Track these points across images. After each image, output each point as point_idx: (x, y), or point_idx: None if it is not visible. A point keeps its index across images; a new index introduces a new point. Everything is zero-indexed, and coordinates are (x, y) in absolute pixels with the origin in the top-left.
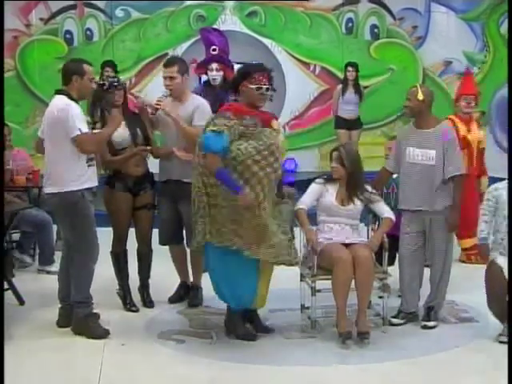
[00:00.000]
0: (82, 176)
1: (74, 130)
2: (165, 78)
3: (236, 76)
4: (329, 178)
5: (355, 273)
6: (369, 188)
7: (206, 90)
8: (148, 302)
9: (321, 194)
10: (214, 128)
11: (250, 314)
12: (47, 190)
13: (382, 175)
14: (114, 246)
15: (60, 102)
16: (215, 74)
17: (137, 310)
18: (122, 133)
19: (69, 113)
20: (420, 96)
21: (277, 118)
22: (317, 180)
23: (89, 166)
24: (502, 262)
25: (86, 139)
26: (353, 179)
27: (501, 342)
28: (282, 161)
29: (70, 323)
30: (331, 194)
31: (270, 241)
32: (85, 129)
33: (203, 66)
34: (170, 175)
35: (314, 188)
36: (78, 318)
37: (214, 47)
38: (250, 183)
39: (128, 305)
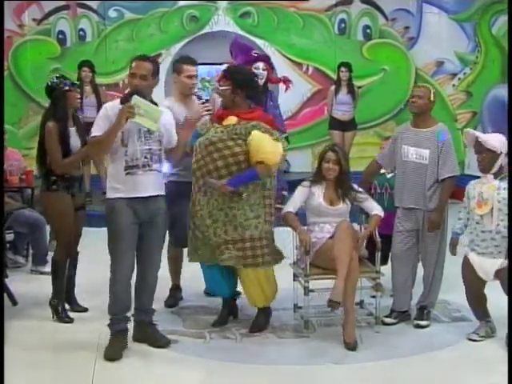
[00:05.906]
0: (117, 184)
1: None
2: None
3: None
4: (315, 180)
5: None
6: (355, 187)
7: None
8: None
9: (308, 196)
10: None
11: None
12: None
13: (371, 167)
14: (59, 253)
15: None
16: (261, 73)
17: (71, 321)
18: (74, 140)
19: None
20: (432, 97)
21: (247, 117)
22: (303, 183)
23: (127, 173)
24: (474, 258)
25: (88, 144)
26: (344, 179)
27: (470, 340)
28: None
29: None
30: (318, 195)
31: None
32: (94, 132)
33: (248, 65)
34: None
35: (300, 191)
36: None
37: (255, 51)
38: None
39: (62, 314)
